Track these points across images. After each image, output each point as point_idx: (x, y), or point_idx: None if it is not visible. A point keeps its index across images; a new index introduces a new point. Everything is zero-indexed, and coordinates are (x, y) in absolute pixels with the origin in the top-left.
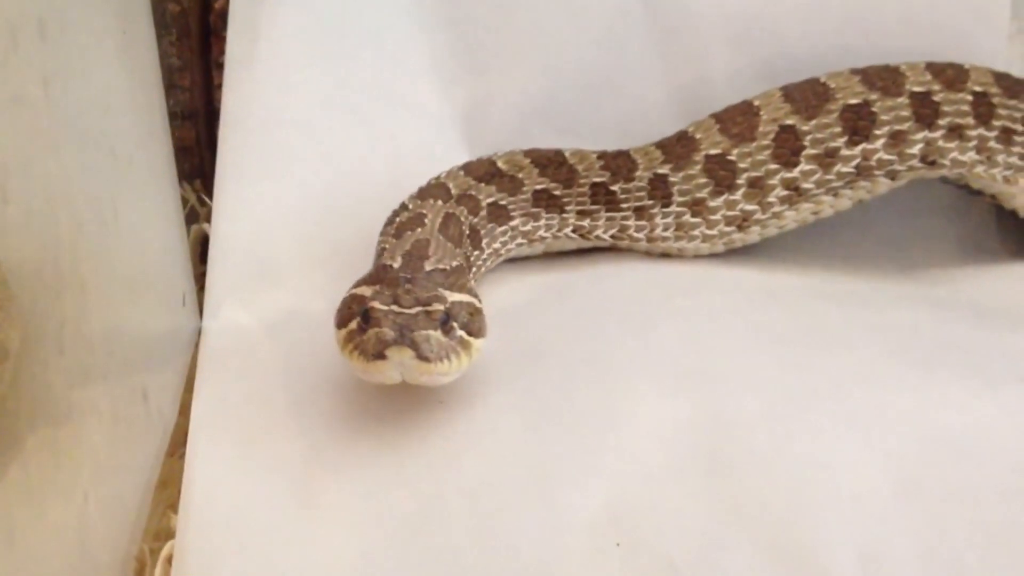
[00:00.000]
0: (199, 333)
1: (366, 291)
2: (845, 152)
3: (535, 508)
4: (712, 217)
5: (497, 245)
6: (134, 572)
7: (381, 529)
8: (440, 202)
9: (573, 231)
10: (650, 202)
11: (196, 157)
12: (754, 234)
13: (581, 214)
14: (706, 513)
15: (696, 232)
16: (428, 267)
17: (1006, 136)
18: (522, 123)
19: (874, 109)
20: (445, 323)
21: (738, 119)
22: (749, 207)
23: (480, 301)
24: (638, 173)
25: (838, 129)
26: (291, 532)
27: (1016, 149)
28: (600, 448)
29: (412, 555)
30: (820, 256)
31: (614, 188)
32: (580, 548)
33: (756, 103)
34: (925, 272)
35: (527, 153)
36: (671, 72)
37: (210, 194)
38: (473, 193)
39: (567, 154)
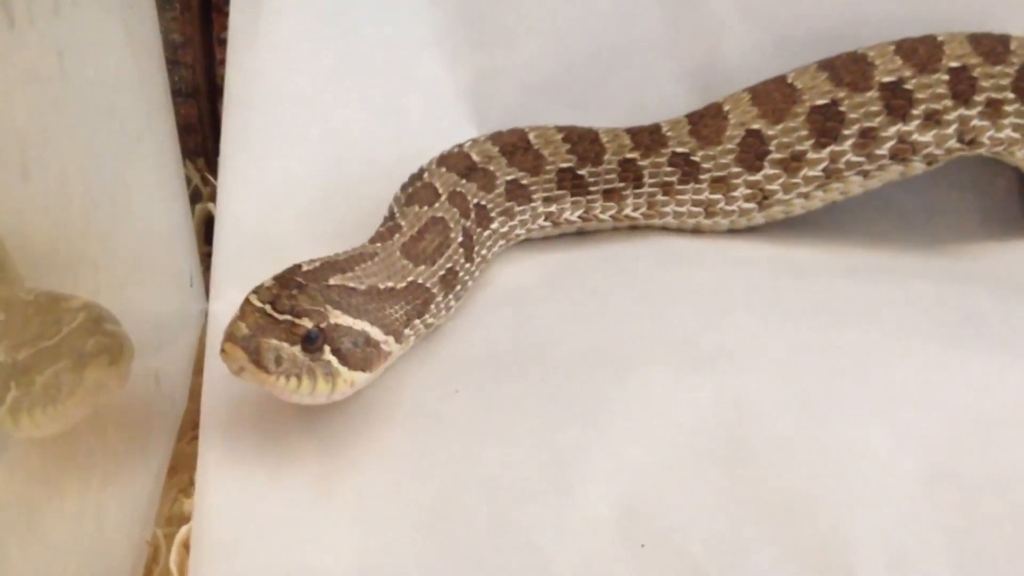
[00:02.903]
0: (205, 315)
1: (265, 283)
2: (812, 156)
3: (553, 502)
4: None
5: (521, 220)
6: (148, 557)
7: (398, 521)
8: (426, 207)
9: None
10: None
11: (199, 135)
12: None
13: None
14: (729, 508)
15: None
16: (333, 281)
17: (994, 109)
18: (530, 98)
19: (841, 108)
20: (312, 342)
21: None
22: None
23: (388, 333)
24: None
25: (805, 133)
26: (307, 521)
27: (1008, 121)
28: (618, 438)
29: (429, 548)
30: (840, 231)
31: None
32: (600, 543)
33: (725, 107)
34: (948, 246)
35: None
36: (683, 46)
37: (213, 173)
38: (493, 169)
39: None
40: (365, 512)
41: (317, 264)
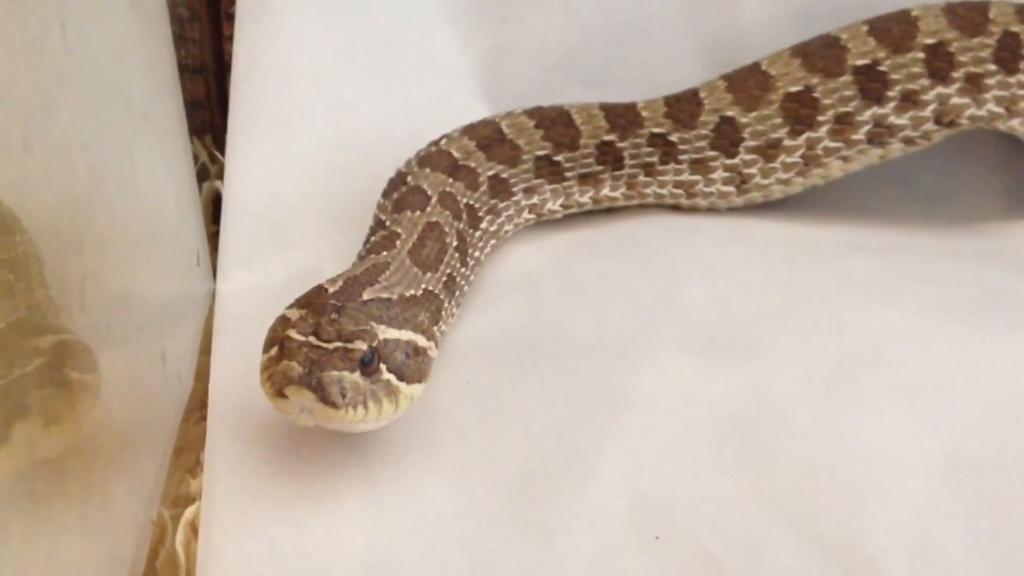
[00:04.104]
0: (212, 295)
1: (293, 315)
2: (788, 143)
3: (567, 496)
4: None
5: (507, 216)
6: (154, 537)
7: (409, 510)
8: (419, 212)
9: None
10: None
11: (206, 112)
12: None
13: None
14: (746, 501)
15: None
16: (367, 296)
17: (974, 84)
18: (543, 75)
19: (815, 94)
20: (369, 364)
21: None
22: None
23: (430, 339)
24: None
25: (779, 120)
26: (317, 506)
27: (991, 95)
28: (633, 432)
29: (440, 539)
30: (859, 209)
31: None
32: (613, 536)
33: (701, 95)
34: (969, 225)
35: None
36: (699, 21)
37: (221, 150)
38: (474, 165)
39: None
40: (376, 502)
41: (340, 283)
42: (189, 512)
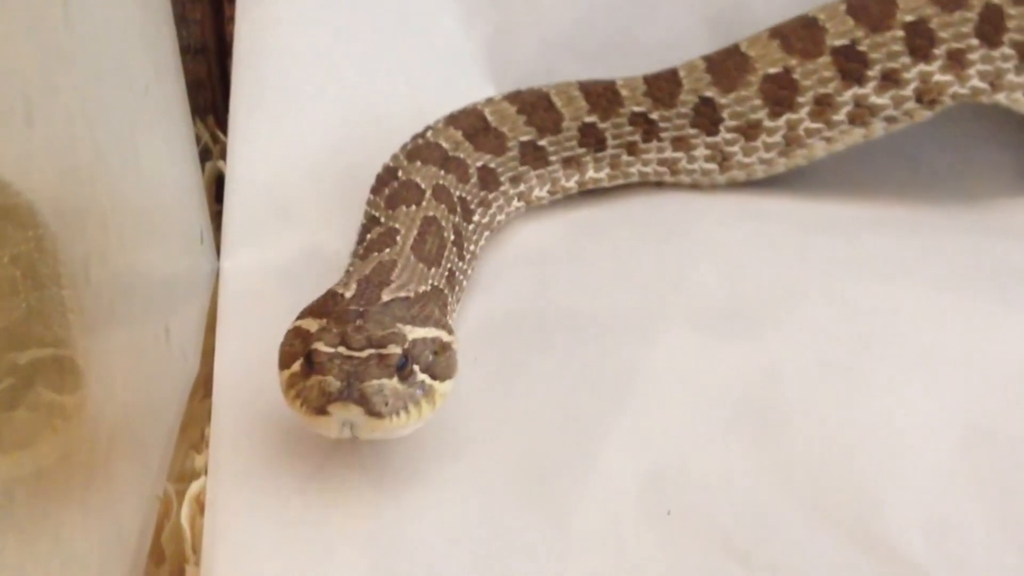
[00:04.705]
0: (216, 274)
1: (311, 325)
2: (768, 124)
3: (577, 474)
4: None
5: (498, 206)
6: (160, 513)
7: (417, 494)
8: (414, 207)
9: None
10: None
11: (208, 92)
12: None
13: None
14: (758, 477)
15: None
16: (387, 296)
17: (956, 61)
18: (548, 53)
19: (794, 76)
20: (403, 368)
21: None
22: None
23: (451, 332)
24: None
25: (758, 102)
26: (325, 483)
27: (975, 70)
28: (644, 409)
29: (451, 522)
30: (869, 187)
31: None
32: (624, 513)
33: (681, 74)
34: (981, 201)
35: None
36: None
37: (223, 130)
38: (463, 156)
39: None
40: (382, 478)
41: (353, 286)
42: (194, 487)
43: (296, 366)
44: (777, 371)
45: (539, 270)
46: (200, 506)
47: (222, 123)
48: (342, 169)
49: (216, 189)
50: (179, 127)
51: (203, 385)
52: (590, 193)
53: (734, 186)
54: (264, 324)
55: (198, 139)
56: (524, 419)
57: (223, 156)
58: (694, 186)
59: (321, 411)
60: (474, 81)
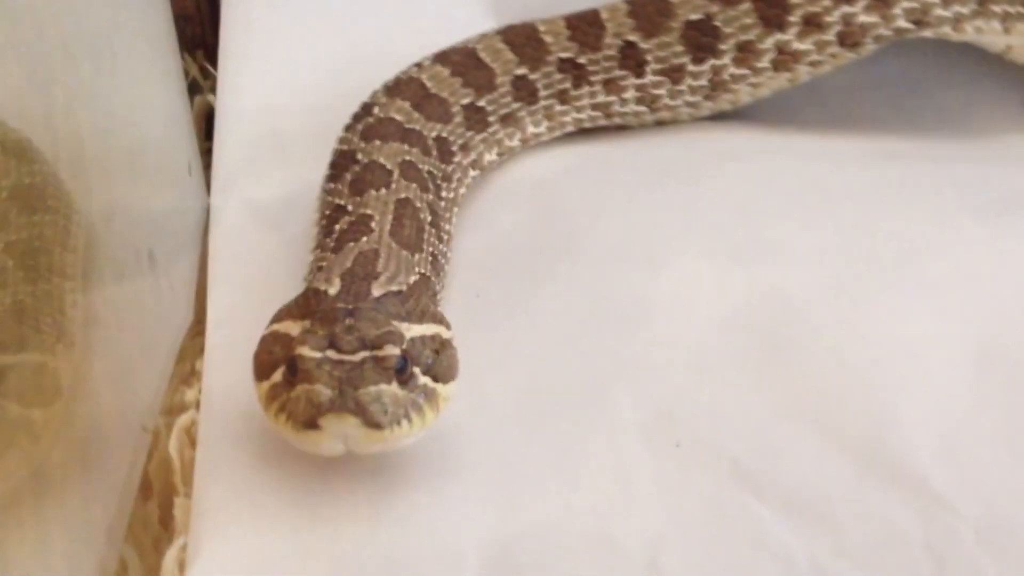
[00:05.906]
0: (207, 211)
1: (291, 328)
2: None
3: (586, 409)
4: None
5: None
6: (150, 444)
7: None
8: (384, 190)
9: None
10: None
11: (196, 26)
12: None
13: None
14: (768, 404)
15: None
16: (377, 291)
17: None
18: None
19: (716, 23)
20: (403, 370)
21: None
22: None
23: (449, 327)
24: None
25: (680, 48)
26: None
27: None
28: (651, 339)
29: (455, 460)
30: (878, 120)
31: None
32: (633, 446)
33: (603, 16)
34: (989, 133)
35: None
36: None
37: (212, 65)
38: (419, 129)
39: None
40: None
41: (336, 281)
42: (184, 419)
43: (277, 376)
44: (787, 298)
45: (542, 202)
46: (190, 439)
47: (212, 58)
48: (337, 103)
49: (206, 125)
50: (166, 60)
51: (195, 322)
52: (588, 132)
53: (722, 117)
54: (256, 261)
55: (186, 73)
56: (528, 353)
57: (213, 91)
58: (623, 127)
59: (311, 425)
60: (473, 15)
